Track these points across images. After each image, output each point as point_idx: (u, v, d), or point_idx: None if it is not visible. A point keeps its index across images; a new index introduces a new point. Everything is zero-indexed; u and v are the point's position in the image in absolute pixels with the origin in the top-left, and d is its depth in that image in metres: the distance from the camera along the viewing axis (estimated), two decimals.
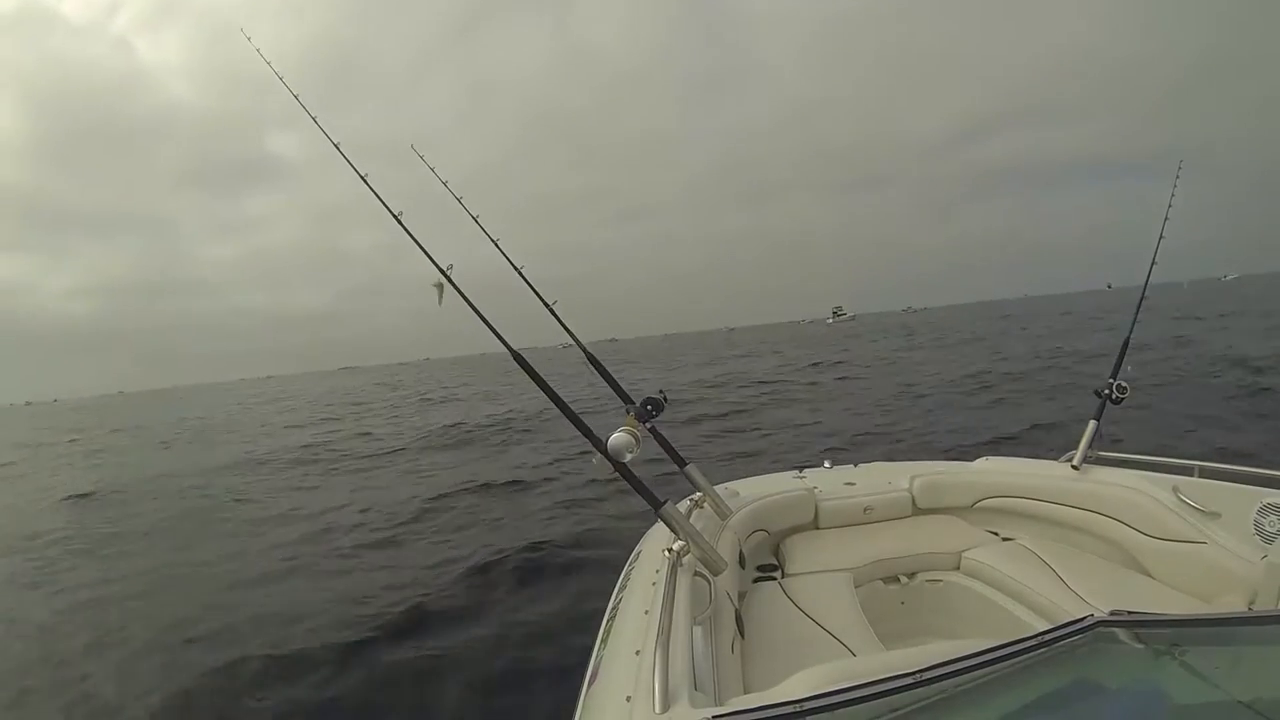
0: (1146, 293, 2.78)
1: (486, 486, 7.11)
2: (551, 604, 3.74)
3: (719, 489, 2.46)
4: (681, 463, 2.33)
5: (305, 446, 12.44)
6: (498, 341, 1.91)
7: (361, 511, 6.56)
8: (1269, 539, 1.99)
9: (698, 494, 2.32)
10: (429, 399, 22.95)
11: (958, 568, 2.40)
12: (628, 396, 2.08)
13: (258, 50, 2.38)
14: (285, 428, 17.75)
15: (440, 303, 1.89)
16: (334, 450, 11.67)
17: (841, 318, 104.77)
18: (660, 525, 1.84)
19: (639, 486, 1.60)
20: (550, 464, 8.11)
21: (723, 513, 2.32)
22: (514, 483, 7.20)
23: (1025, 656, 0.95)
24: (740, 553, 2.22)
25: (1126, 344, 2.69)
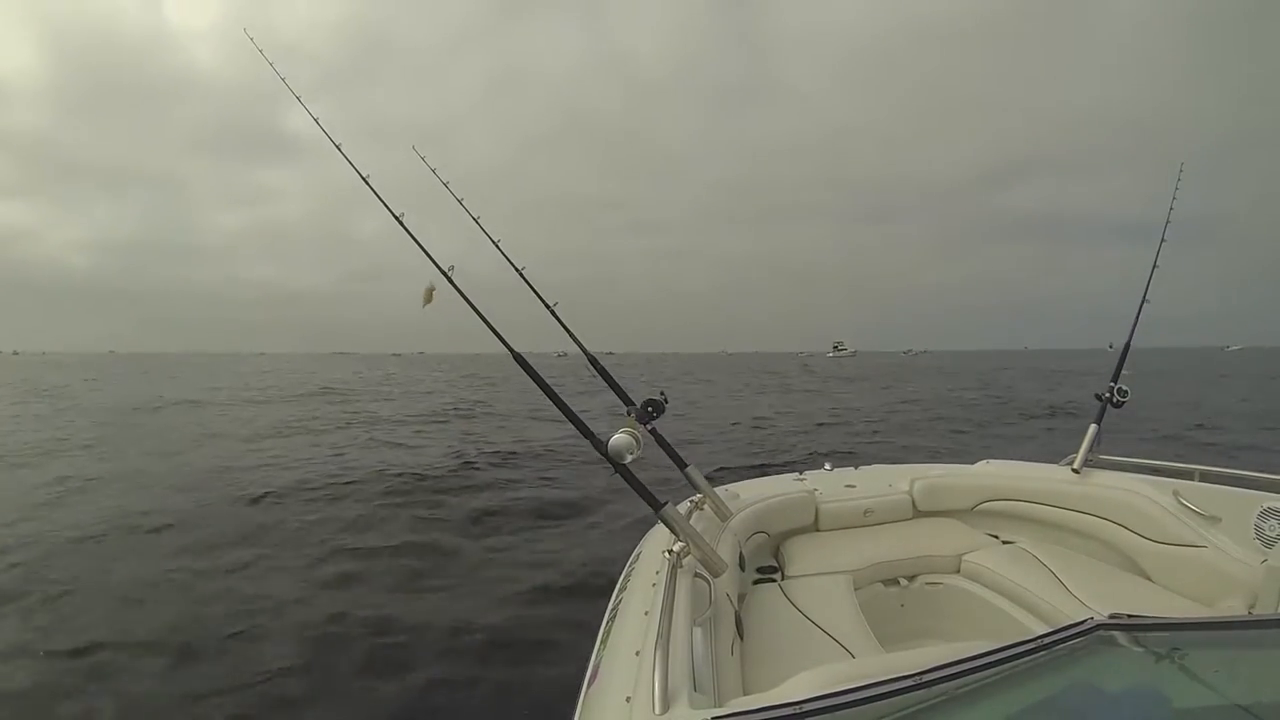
0: (1147, 295, 2.80)
1: None
2: None
3: (719, 491, 2.46)
4: (682, 464, 2.33)
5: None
6: (494, 342, 1.88)
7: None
8: (1269, 543, 1.99)
9: (698, 495, 2.32)
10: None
11: (958, 570, 2.40)
12: (628, 398, 2.08)
13: (261, 52, 2.39)
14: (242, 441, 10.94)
15: (425, 306, 1.84)
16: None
17: (842, 353, 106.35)
18: (660, 526, 1.84)
19: (639, 488, 1.60)
20: None
21: (723, 514, 2.32)
22: None
23: (1025, 659, 0.95)
24: (740, 554, 2.22)
25: (1127, 349, 2.71)
